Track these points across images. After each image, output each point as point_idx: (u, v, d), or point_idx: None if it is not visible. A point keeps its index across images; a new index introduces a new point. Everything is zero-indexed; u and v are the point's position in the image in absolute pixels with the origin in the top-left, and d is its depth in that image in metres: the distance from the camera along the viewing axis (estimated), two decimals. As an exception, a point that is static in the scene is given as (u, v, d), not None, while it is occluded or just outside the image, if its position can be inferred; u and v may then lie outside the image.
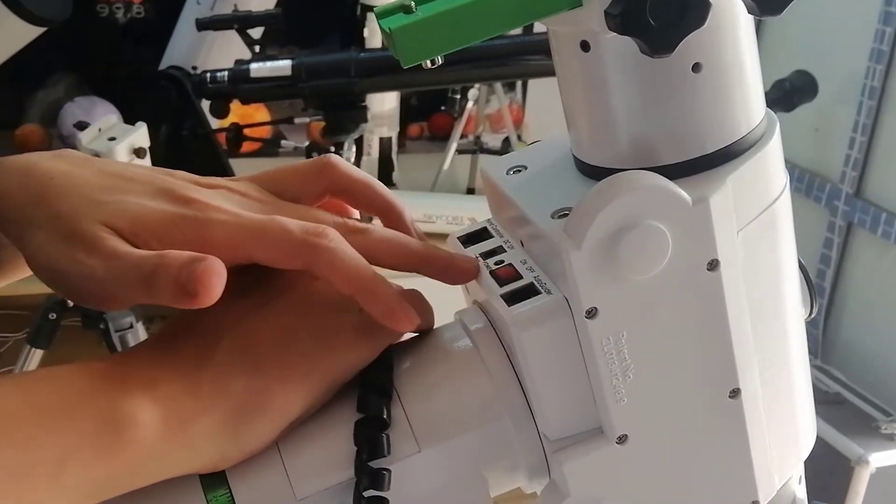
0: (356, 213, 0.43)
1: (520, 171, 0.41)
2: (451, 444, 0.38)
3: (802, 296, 0.41)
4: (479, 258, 0.40)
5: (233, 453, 0.36)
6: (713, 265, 0.35)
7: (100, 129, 1.48)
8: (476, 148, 2.48)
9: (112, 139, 1.46)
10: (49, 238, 0.36)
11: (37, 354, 1.63)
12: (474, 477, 0.38)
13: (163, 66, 1.82)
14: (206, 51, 1.82)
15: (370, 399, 0.38)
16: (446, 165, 2.39)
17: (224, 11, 1.76)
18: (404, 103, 2.27)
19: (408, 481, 0.37)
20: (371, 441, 0.37)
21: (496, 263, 0.39)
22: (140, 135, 1.50)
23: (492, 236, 0.42)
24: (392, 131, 2.13)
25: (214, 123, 1.80)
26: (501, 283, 0.38)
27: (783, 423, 0.40)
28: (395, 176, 2.27)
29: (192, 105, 1.74)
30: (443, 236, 0.45)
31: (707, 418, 0.37)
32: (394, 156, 2.24)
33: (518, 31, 1.64)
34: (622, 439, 0.37)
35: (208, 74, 1.65)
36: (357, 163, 1.93)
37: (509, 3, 0.32)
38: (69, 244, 0.35)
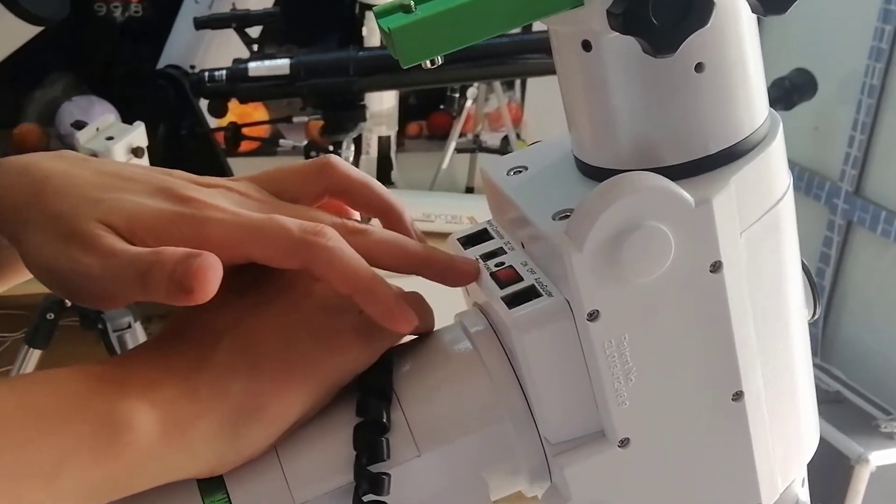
0: (356, 214, 0.43)
1: (520, 171, 0.41)
2: (451, 447, 0.38)
3: (805, 297, 0.40)
4: (480, 260, 0.40)
5: (231, 457, 0.36)
6: (716, 267, 0.35)
7: (97, 129, 1.48)
8: (475, 147, 2.49)
9: (110, 138, 1.46)
10: (46, 237, 0.36)
11: (35, 354, 1.63)
12: (475, 481, 0.38)
13: (161, 65, 1.83)
14: (204, 50, 1.82)
15: (369, 403, 0.37)
16: (445, 164, 2.40)
17: (222, 10, 1.77)
18: (403, 102, 2.28)
19: (408, 485, 0.37)
20: (370, 445, 0.37)
21: (497, 265, 0.39)
22: (138, 134, 1.50)
23: (492, 238, 0.41)
24: (391, 130, 2.14)
25: (212, 122, 1.80)
26: (502, 286, 0.38)
27: (786, 426, 0.40)
28: (394, 175, 2.28)
29: (190, 104, 1.74)
30: (442, 235, 0.44)
31: (710, 421, 0.37)
32: (392, 155, 2.24)
33: (517, 29, 1.63)
34: (624, 443, 0.36)
35: (206, 73, 1.65)
36: (356, 162, 1.93)
37: (509, 3, 0.31)
38: (66, 243, 0.35)
